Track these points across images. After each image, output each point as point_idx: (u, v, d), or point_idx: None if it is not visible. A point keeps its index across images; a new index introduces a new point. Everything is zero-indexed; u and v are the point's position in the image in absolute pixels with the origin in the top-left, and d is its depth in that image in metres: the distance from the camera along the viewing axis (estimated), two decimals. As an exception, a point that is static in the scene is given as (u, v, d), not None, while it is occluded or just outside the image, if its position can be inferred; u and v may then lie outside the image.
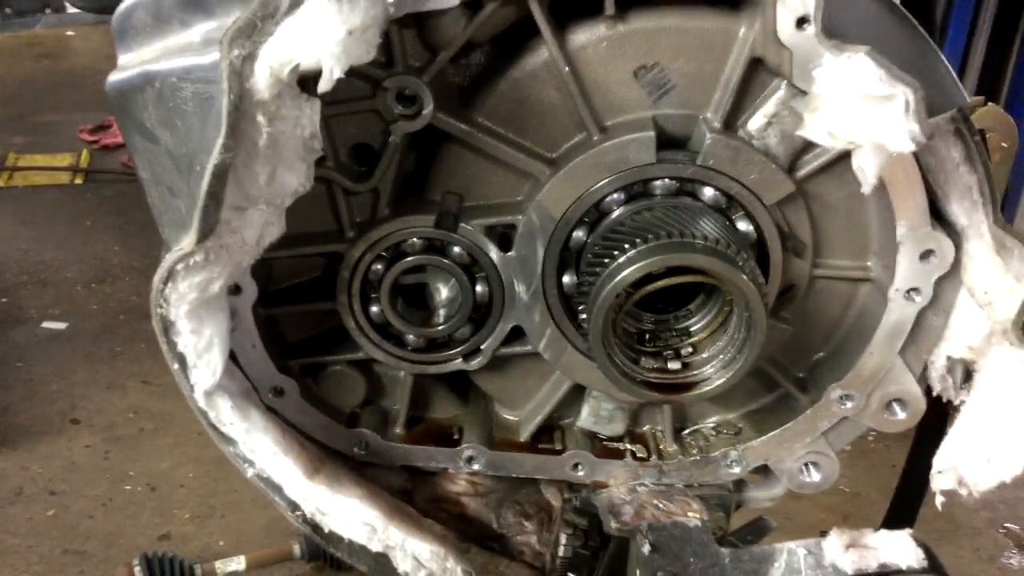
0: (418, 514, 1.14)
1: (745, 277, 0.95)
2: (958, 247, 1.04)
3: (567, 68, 1.00)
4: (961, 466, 1.02)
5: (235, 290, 1.05)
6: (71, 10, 5.40)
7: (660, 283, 0.99)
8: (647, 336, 1.09)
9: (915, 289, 1.06)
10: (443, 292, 1.13)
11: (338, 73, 0.79)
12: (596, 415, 1.19)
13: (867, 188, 0.89)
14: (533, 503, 1.22)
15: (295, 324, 1.16)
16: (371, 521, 1.06)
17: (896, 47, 0.87)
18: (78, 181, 4.81)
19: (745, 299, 0.97)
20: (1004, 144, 1.20)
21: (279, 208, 0.92)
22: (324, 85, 0.80)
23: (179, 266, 0.88)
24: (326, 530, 1.07)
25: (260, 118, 0.80)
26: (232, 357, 1.08)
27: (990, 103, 1.19)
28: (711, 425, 1.21)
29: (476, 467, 1.17)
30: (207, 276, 0.91)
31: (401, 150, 1.05)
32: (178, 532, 3.54)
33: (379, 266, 1.09)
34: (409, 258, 1.08)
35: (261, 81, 0.79)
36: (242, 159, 0.82)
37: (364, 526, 1.06)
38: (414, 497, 1.19)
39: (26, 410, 4.35)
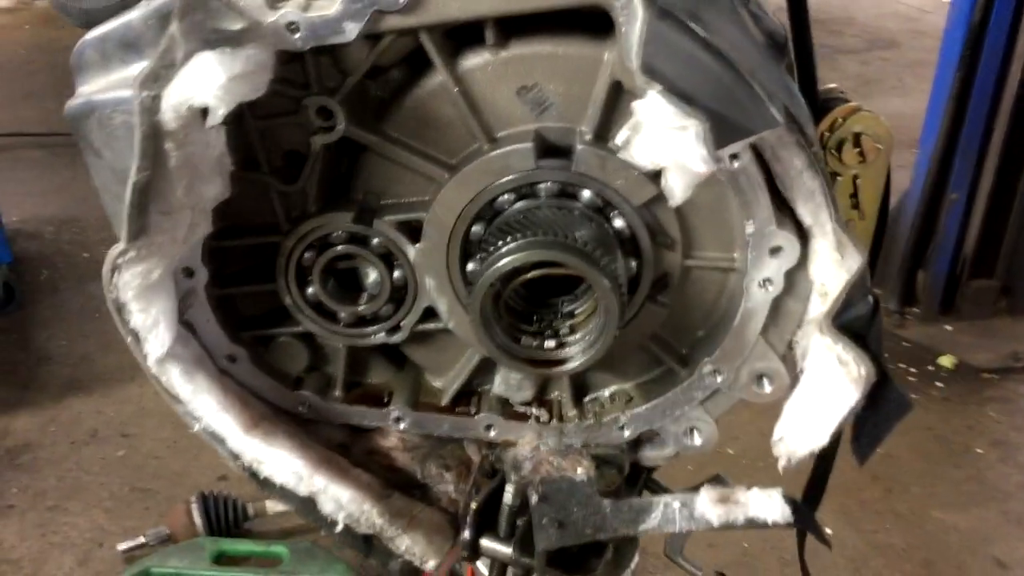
0: (348, 465, 1.35)
1: (597, 272, 1.12)
2: (805, 244, 1.19)
3: (456, 89, 1.18)
4: (786, 435, 1.17)
5: (190, 273, 1.27)
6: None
7: (531, 274, 1.16)
8: (535, 317, 1.27)
9: (768, 280, 1.21)
10: (371, 276, 1.33)
11: (223, 111, 0.98)
12: (507, 383, 1.38)
13: (674, 203, 1.04)
14: (455, 457, 1.41)
15: (248, 301, 1.36)
16: (298, 470, 1.27)
17: (705, 83, 1.02)
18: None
19: (600, 290, 1.13)
20: (879, 146, 1.32)
21: (204, 212, 1.12)
22: (211, 121, 0.99)
23: (119, 260, 1.09)
24: (261, 476, 1.28)
25: (168, 144, 0.99)
26: (191, 328, 1.30)
27: (864, 110, 1.32)
28: (608, 393, 1.38)
29: (402, 426, 1.37)
30: (146, 267, 1.11)
31: (324, 156, 1.23)
32: (235, 475, 3.84)
33: (310, 254, 1.29)
34: (334, 248, 1.28)
35: (167, 115, 0.98)
36: (160, 176, 1.02)
37: (292, 474, 1.27)
38: (351, 449, 1.40)
39: (102, 358, 4.73)
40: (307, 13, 1.08)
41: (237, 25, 0.96)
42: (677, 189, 1.02)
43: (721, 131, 1.03)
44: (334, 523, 1.29)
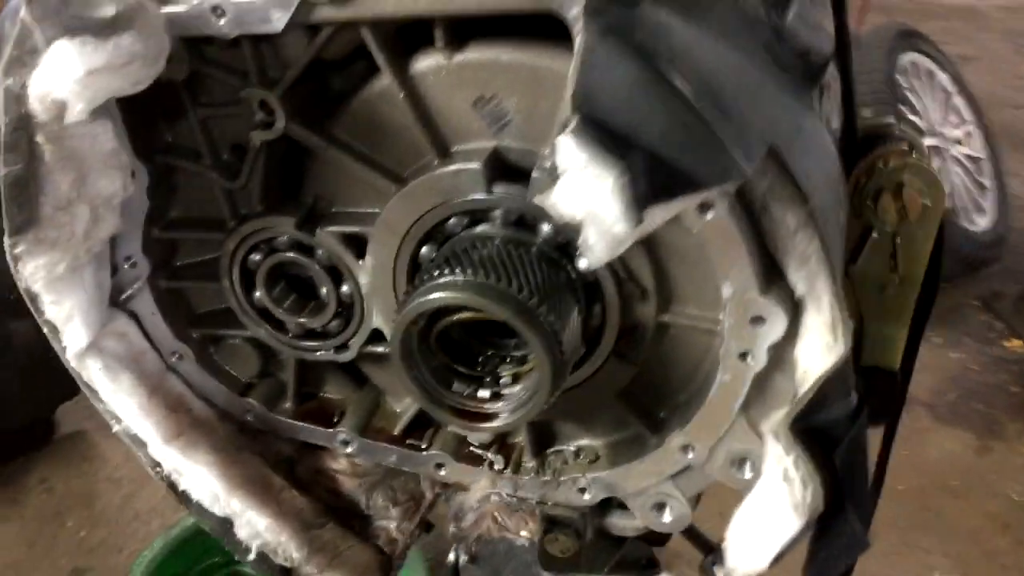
0: (281, 486, 1.24)
1: (530, 328, 0.95)
2: (796, 315, 0.98)
3: (403, 93, 1.02)
4: (730, 546, 0.98)
5: (133, 264, 1.18)
6: None
7: (459, 317, 1.01)
8: (481, 357, 1.11)
9: (748, 352, 1.01)
10: (322, 287, 1.20)
11: (82, 106, 0.87)
12: (465, 420, 1.23)
13: (589, 265, 0.86)
14: (406, 491, 1.28)
15: (200, 297, 1.27)
16: (215, 490, 1.17)
17: (651, 121, 0.83)
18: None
19: (533, 348, 0.97)
20: (925, 202, 1.08)
21: (109, 207, 1.02)
22: (69, 117, 0.88)
23: (15, 251, 1.00)
24: (179, 489, 1.19)
25: (39, 137, 0.90)
26: (136, 320, 1.22)
27: (916, 155, 1.08)
28: (573, 448, 1.21)
29: (349, 450, 1.25)
30: (49, 260, 1.03)
31: (268, 153, 1.11)
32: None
33: (256, 256, 1.17)
34: (278, 254, 1.16)
35: (35, 106, 0.88)
36: (37, 170, 0.92)
37: (209, 493, 1.18)
38: (297, 466, 1.29)
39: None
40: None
41: (105, 11, 0.85)
42: (596, 249, 0.83)
43: (667, 180, 0.84)
44: (248, 550, 1.19)
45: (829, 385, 0.91)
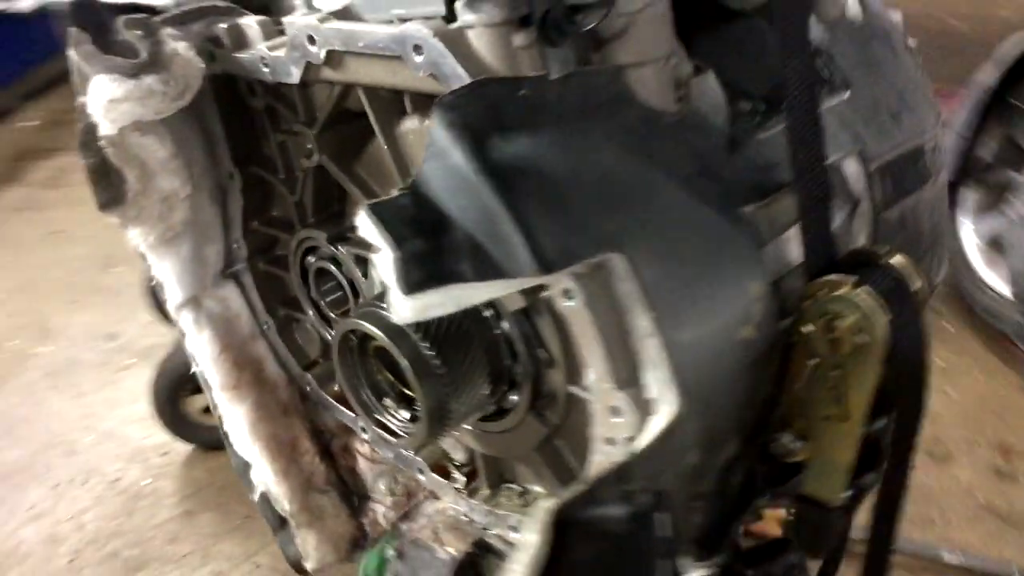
0: (305, 450, 1.48)
1: (417, 375, 1.08)
2: (647, 413, 1.01)
3: (386, 147, 1.19)
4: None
5: (238, 246, 1.49)
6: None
7: (377, 343, 1.16)
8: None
9: (611, 440, 1.05)
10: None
11: (108, 129, 1.15)
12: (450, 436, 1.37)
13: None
14: (403, 485, 1.46)
15: (290, 283, 1.54)
16: (243, 435, 1.44)
17: (470, 207, 0.93)
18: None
19: (414, 389, 1.10)
20: (857, 340, 1.03)
21: (175, 199, 1.32)
22: (104, 131, 1.16)
23: (110, 219, 1.34)
24: (223, 429, 1.48)
25: (101, 141, 1.20)
26: (241, 287, 1.53)
27: (861, 290, 1.02)
28: (520, 489, 1.30)
29: (366, 437, 1.45)
30: (140, 231, 1.35)
31: (316, 176, 1.34)
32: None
33: (311, 259, 1.42)
34: (319, 260, 1.39)
35: (98, 121, 1.19)
36: (108, 163, 1.24)
37: (239, 436, 1.45)
38: (333, 440, 1.52)
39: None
40: (272, 52, 1.20)
41: (140, 56, 1.12)
42: (395, 312, 0.95)
43: (479, 264, 0.93)
44: (254, 490, 1.44)
45: (602, 483, 0.94)
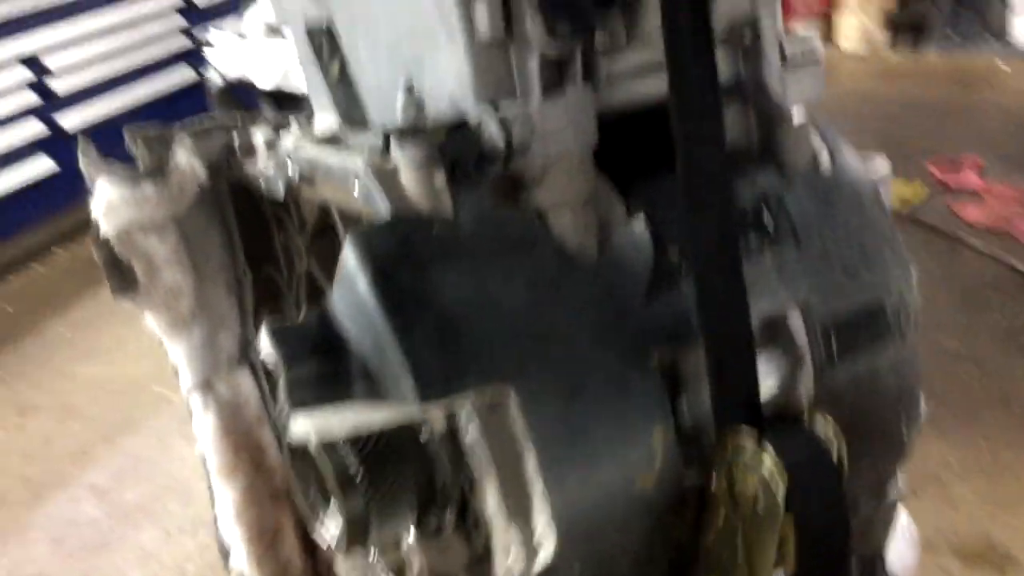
0: (286, 539, 1.54)
1: (327, 468, 1.14)
2: (534, 552, 1.02)
3: None
4: None
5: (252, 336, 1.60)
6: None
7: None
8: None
9: (507, 570, 1.07)
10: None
11: (106, 228, 1.28)
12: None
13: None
14: (372, 584, 1.49)
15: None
16: (228, 518, 1.52)
17: (367, 334, 0.99)
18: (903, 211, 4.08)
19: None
20: (758, 503, 1.01)
21: (180, 292, 1.44)
22: (105, 231, 1.29)
23: (124, 304, 1.47)
24: (213, 509, 1.56)
25: (108, 238, 1.34)
26: (256, 376, 1.63)
27: (769, 450, 1.01)
28: None
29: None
30: (153, 317, 1.48)
31: (308, 279, 1.43)
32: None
33: (306, 356, 1.50)
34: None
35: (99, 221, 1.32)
36: (117, 254, 1.37)
37: (225, 517, 1.53)
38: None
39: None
40: (267, 168, 1.31)
41: (141, 165, 1.26)
42: (294, 430, 1.02)
43: (370, 390, 0.99)
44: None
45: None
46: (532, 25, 0.98)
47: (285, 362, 0.97)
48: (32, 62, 3.96)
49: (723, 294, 1.03)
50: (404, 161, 1.04)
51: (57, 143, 3.98)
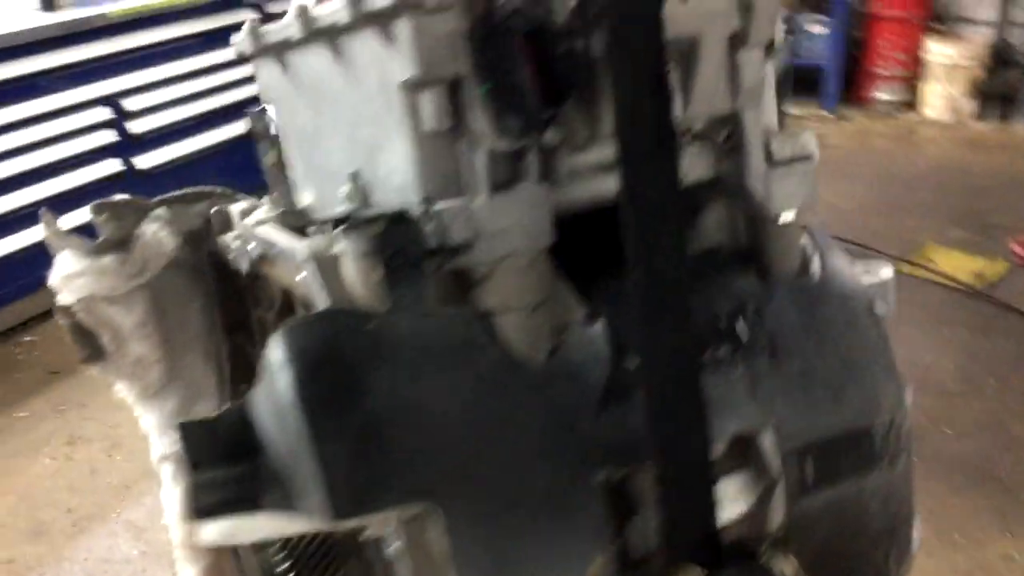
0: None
1: (256, 568, 1.08)
2: None
3: None
4: None
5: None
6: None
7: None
8: None
9: None
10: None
11: (64, 298, 1.24)
12: None
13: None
14: None
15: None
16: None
17: (284, 441, 0.93)
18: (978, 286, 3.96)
19: None
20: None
21: (148, 363, 1.40)
22: (59, 301, 1.25)
23: (93, 373, 1.43)
24: (174, 584, 1.50)
25: (74, 307, 1.30)
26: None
27: None
28: None
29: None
30: (122, 385, 1.44)
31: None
32: None
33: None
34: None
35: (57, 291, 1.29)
36: (83, 327, 1.34)
37: None
38: None
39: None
40: (234, 243, 1.27)
41: (103, 236, 1.22)
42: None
43: (281, 498, 0.93)
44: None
45: None
46: (479, 120, 0.92)
47: (190, 465, 0.91)
48: (112, 103, 4.09)
49: (677, 412, 0.95)
50: (346, 251, 0.99)
51: (133, 182, 4.05)
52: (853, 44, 6.61)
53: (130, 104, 4.23)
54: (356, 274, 0.99)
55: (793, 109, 6.18)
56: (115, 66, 4.17)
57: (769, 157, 1.08)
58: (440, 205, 0.94)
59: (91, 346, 1.37)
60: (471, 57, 0.90)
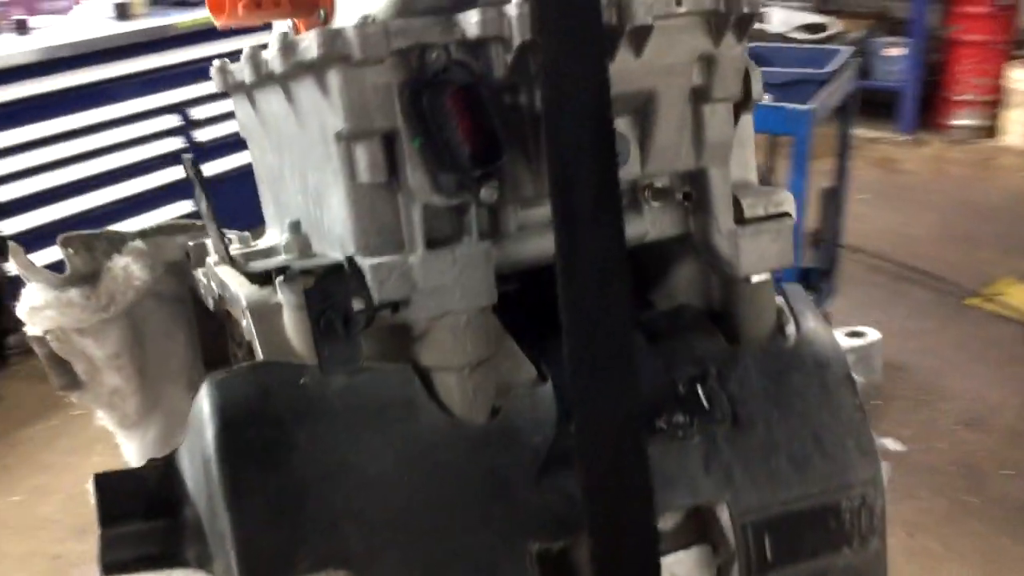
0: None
1: None
2: None
3: None
4: None
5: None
6: None
7: None
8: None
9: None
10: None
11: (32, 330, 1.23)
12: None
13: None
14: None
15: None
16: None
17: (201, 490, 0.90)
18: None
19: None
20: None
21: (124, 393, 1.39)
22: (29, 332, 1.25)
23: (70, 400, 1.43)
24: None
25: (48, 336, 1.30)
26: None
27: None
28: None
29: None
30: (101, 413, 1.43)
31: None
32: None
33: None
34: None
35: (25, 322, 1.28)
36: (58, 355, 1.33)
37: None
38: None
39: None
40: (203, 279, 1.26)
41: (71, 269, 1.21)
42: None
43: (199, 554, 0.90)
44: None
45: None
46: (414, 175, 0.89)
47: (101, 520, 0.89)
48: (180, 111, 4.19)
49: (615, 483, 0.90)
50: (282, 302, 0.96)
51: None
52: (931, 68, 6.42)
53: (197, 113, 4.31)
54: (294, 325, 0.97)
55: (868, 132, 6.04)
56: (184, 75, 4.26)
57: (740, 215, 1.03)
58: (375, 260, 0.90)
59: (67, 375, 1.37)
60: (404, 111, 0.87)
